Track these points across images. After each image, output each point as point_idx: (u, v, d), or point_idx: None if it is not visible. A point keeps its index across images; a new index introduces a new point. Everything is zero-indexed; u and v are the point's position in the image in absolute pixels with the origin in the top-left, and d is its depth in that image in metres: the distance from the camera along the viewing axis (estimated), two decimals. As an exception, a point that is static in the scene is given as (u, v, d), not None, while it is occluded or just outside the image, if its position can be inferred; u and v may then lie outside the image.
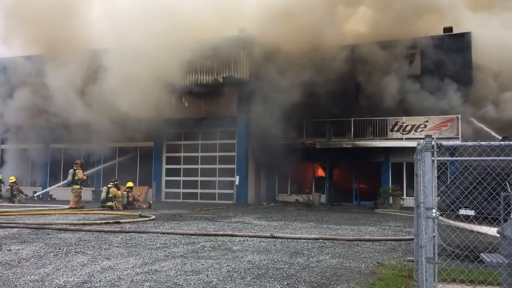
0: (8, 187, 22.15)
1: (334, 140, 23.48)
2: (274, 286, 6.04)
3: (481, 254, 5.35)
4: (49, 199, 25.27)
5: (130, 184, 20.17)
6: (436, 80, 21.85)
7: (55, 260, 7.48)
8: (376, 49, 22.24)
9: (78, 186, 18.89)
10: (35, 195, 24.86)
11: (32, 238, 9.98)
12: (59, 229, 11.41)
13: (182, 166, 25.45)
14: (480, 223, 7.59)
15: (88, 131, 23.33)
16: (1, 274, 6.46)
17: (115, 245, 9.08)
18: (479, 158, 5.40)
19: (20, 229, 11.43)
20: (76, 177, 18.86)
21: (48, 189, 26.27)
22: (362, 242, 10.15)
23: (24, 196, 22.49)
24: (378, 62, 22.29)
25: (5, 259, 7.48)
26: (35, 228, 11.53)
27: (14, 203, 21.21)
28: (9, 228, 11.44)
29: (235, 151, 23.99)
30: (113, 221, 13.24)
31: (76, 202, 18.69)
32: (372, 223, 14.67)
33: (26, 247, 8.74)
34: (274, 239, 10.23)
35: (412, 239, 8.37)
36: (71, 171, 19.23)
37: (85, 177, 19.40)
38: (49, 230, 11.33)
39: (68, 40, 22.27)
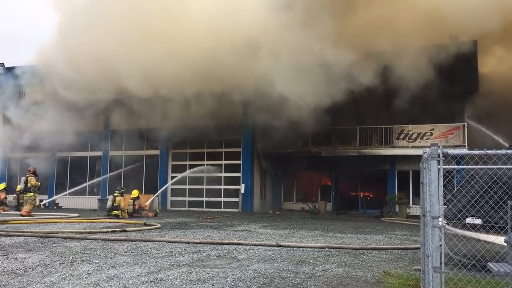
0: (15, 195, 22.23)
1: (339, 148, 23.41)
2: (280, 295, 6.01)
3: (489, 263, 5.33)
4: (55, 207, 25.37)
5: (134, 193, 20.07)
6: (442, 88, 21.72)
7: (61, 269, 7.49)
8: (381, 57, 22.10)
9: (31, 194, 18.75)
10: (41, 203, 24.93)
11: (38, 246, 10.00)
12: (65, 238, 11.44)
13: (187, 175, 25.48)
14: (487, 232, 7.54)
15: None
16: (7, 283, 6.47)
17: (121, 254, 9.09)
18: (486, 166, 5.37)
19: (26, 237, 11.47)
20: (29, 184, 18.70)
21: (54, 197, 26.39)
22: (368, 250, 10.09)
23: (30, 205, 22.52)
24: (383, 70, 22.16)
25: (11, 268, 7.50)
26: (41, 237, 11.57)
27: (20, 211, 21.27)
28: (15, 237, 11.49)
29: (240, 159, 24.01)
30: (119, 229, 13.26)
31: (29, 210, 18.35)
32: (378, 231, 14.60)
33: (32, 255, 8.76)
34: (280, 247, 10.20)
35: (419, 248, 8.31)
36: (23, 178, 19.19)
37: (39, 183, 19.17)
38: (55, 238, 11.37)
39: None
